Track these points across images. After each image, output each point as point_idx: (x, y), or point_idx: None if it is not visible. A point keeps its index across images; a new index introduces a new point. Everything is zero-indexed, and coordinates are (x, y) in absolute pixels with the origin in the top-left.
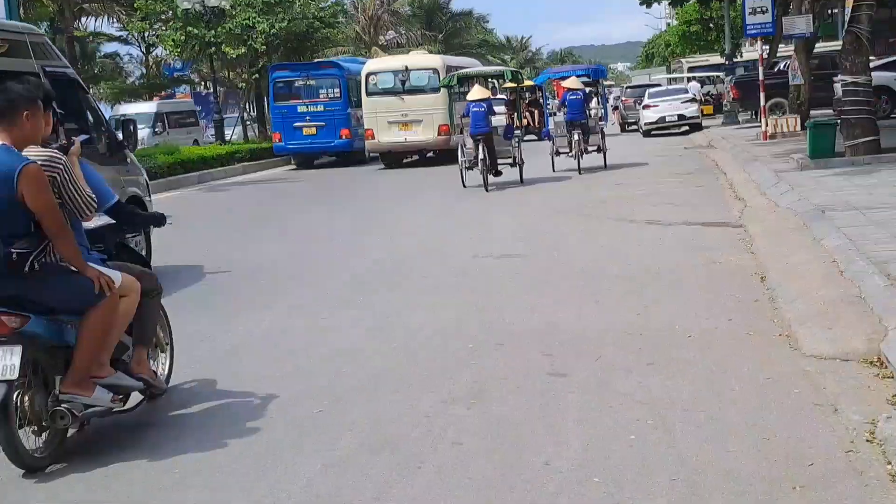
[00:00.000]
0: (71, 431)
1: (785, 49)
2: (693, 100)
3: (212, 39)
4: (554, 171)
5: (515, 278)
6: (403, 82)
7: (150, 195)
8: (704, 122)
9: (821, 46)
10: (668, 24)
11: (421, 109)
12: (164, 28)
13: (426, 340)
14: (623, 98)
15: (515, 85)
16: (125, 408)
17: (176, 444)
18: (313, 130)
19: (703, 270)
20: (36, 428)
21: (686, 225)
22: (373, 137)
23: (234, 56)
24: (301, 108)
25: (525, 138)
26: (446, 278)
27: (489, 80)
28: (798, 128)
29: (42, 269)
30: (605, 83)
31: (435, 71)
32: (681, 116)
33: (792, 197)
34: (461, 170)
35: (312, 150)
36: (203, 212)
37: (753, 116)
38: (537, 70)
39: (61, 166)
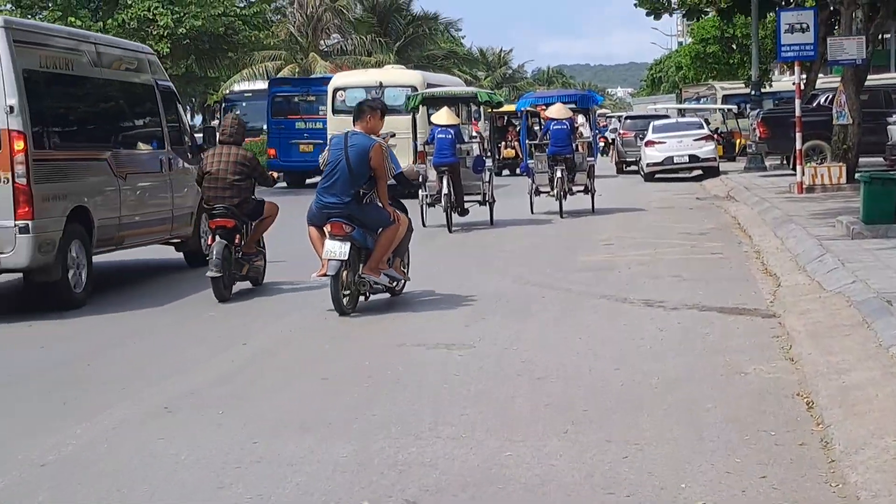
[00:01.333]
0: (362, 299)
1: (824, 80)
2: (709, 137)
3: (97, 31)
4: (532, 212)
5: (448, 388)
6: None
7: None
8: (723, 167)
9: (870, 79)
10: (680, 44)
11: (396, 133)
12: (41, 17)
13: None
14: (621, 131)
15: (506, 110)
16: (396, 290)
17: None
18: (310, 148)
19: (722, 386)
20: (348, 292)
21: (698, 310)
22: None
23: None
24: (299, 125)
25: (513, 172)
26: (332, 386)
27: (466, 103)
28: (843, 180)
29: (369, 202)
30: (599, 111)
31: (414, 88)
32: (693, 157)
33: (843, 277)
34: (421, 206)
35: (306, 169)
36: None
37: (785, 162)
38: (518, 91)
39: (386, 146)
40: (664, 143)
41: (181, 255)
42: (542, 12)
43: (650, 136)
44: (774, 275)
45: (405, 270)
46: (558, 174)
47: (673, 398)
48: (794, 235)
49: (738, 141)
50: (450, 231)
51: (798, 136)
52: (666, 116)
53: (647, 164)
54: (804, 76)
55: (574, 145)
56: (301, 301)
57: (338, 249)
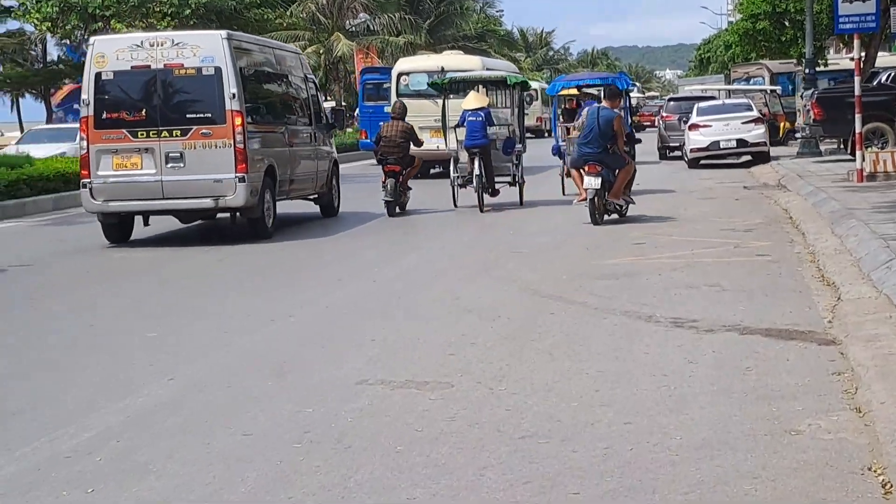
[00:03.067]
0: (612, 216)
1: (886, 56)
2: (759, 119)
3: (97, 11)
4: (564, 194)
5: (403, 453)
6: None
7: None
8: (773, 151)
9: None
10: (730, 23)
11: (457, 116)
12: None
13: None
14: (664, 114)
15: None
16: (623, 211)
17: None
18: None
19: (766, 454)
20: (597, 213)
21: (738, 333)
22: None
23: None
24: (387, 109)
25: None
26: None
27: (513, 88)
28: None
29: (613, 151)
30: (648, 94)
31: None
32: (741, 142)
33: None
34: (452, 187)
35: None
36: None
37: (842, 147)
38: (559, 73)
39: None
40: (709, 126)
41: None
42: None
43: (694, 118)
44: (833, 284)
45: (631, 198)
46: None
47: (699, 474)
48: (856, 234)
49: (781, 124)
50: (481, 211)
51: (857, 117)
52: (713, 98)
53: (691, 150)
54: (863, 53)
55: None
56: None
57: (593, 182)
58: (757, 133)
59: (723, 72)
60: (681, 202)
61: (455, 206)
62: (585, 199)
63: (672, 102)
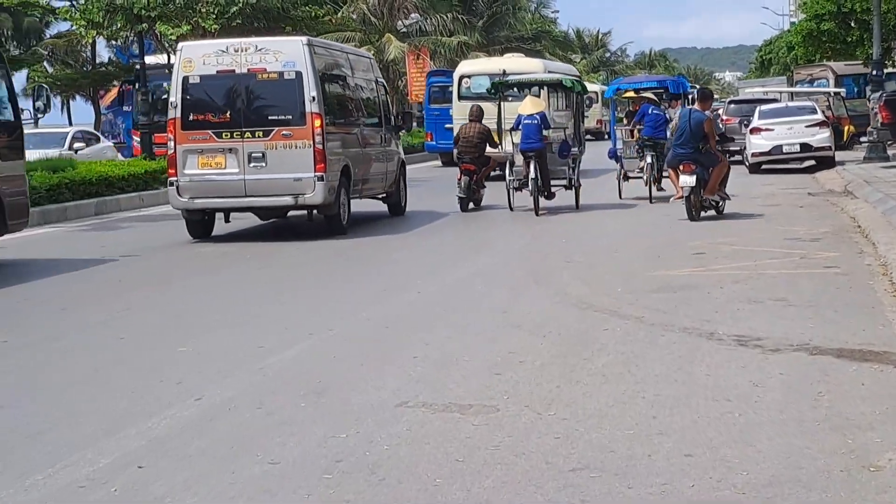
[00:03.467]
0: (709, 212)
1: None
2: (824, 123)
3: (142, 12)
4: (620, 197)
5: (442, 487)
6: None
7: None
8: (838, 156)
9: None
10: (793, 23)
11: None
12: None
13: None
14: (724, 117)
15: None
16: (720, 208)
17: None
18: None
19: (843, 493)
20: (694, 209)
21: (807, 353)
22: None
23: (174, 37)
24: (452, 112)
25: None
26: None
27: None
28: None
29: (706, 150)
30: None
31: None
32: (805, 146)
33: None
34: (508, 190)
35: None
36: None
37: None
38: (616, 75)
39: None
40: (772, 130)
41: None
42: None
43: (756, 122)
44: None
45: (727, 194)
46: (648, 160)
47: None
48: None
49: (846, 128)
50: (536, 214)
51: None
52: (775, 100)
53: (752, 154)
54: None
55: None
56: None
57: (688, 180)
58: (821, 137)
59: (785, 74)
60: (742, 206)
61: (511, 209)
62: (682, 197)
63: (732, 105)
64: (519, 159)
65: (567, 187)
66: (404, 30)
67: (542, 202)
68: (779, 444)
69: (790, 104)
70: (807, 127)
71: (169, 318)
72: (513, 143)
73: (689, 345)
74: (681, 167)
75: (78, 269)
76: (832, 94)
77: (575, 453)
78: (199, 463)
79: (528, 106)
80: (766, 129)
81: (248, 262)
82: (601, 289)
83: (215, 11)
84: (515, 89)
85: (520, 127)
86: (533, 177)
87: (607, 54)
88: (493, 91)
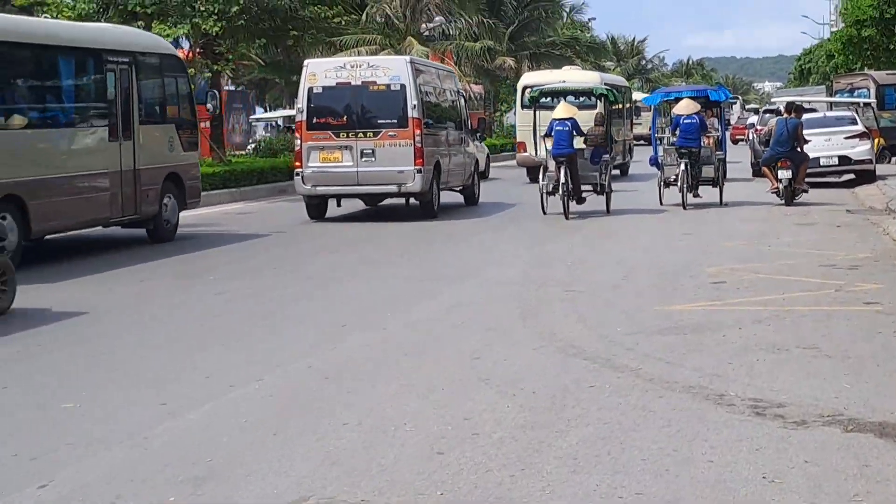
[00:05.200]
0: (800, 198)
1: None
2: (864, 135)
3: (137, 8)
4: (661, 203)
5: None
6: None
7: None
8: (879, 170)
9: None
10: (833, 32)
11: (587, 125)
12: None
13: None
14: (758, 126)
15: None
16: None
17: None
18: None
19: None
20: (789, 197)
21: (841, 429)
22: (524, 151)
23: (171, 38)
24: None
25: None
26: None
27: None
28: None
29: (797, 150)
30: (748, 106)
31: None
32: (844, 159)
33: None
34: (541, 194)
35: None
36: None
37: None
38: (651, 83)
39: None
40: (808, 141)
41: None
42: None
43: None
44: None
45: (806, 186)
46: (682, 167)
47: None
48: None
49: (875, 141)
50: (566, 218)
51: None
52: (813, 110)
53: None
54: None
55: (702, 140)
56: None
57: (786, 174)
58: (862, 149)
59: (824, 83)
60: (772, 228)
61: (544, 213)
62: (778, 189)
63: (767, 115)
64: (551, 164)
65: (598, 192)
66: (427, 33)
67: (573, 206)
68: None
69: (828, 114)
70: (846, 139)
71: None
72: (546, 149)
73: (691, 413)
74: (779, 164)
75: (245, 240)
76: (861, 105)
77: None
78: None
79: (561, 111)
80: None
81: (360, 242)
82: (598, 328)
83: (216, 11)
84: (553, 98)
85: (551, 133)
86: (563, 181)
87: (643, 62)
88: (531, 102)
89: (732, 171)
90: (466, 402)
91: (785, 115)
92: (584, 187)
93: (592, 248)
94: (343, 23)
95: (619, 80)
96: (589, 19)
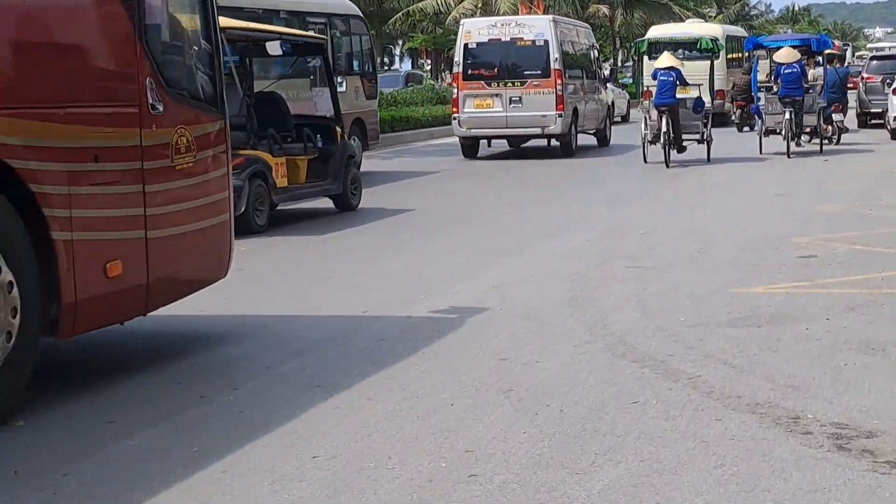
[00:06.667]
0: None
1: None
2: None
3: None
4: (761, 153)
5: None
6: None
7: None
8: None
9: None
10: None
11: (700, 74)
12: None
13: None
14: (865, 74)
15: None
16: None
17: None
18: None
19: None
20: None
21: None
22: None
23: None
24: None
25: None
26: None
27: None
28: None
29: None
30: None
31: (714, 39)
32: None
33: None
34: (643, 143)
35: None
36: None
37: None
38: (754, 31)
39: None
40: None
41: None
42: None
43: None
44: None
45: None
46: (787, 116)
47: None
48: None
49: None
50: (667, 167)
51: None
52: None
53: (895, 118)
54: None
55: (805, 88)
56: None
57: (839, 118)
58: None
59: None
60: (876, 188)
61: (645, 161)
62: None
63: (875, 62)
64: (653, 113)
65: (700, 141)
66: None
67: (674, 155)
68: None
69: None
70: None
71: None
72: (649, 99)
73: (754, 445)
74: (833, 107)
75: (419, 176)
76: None
77: None
78: None
79: (665, 60)
80: None
81: (509, 174)
82: (658, 317)
83: None
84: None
85: (655, 80)
86: (665, 130)
87: (746, 8)
88: (641, 51)
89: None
90: (475, 426)
91: (832, 66)
92: (685, 136)
93: (676, 208)
94: None
95: (740, 31)
96: None
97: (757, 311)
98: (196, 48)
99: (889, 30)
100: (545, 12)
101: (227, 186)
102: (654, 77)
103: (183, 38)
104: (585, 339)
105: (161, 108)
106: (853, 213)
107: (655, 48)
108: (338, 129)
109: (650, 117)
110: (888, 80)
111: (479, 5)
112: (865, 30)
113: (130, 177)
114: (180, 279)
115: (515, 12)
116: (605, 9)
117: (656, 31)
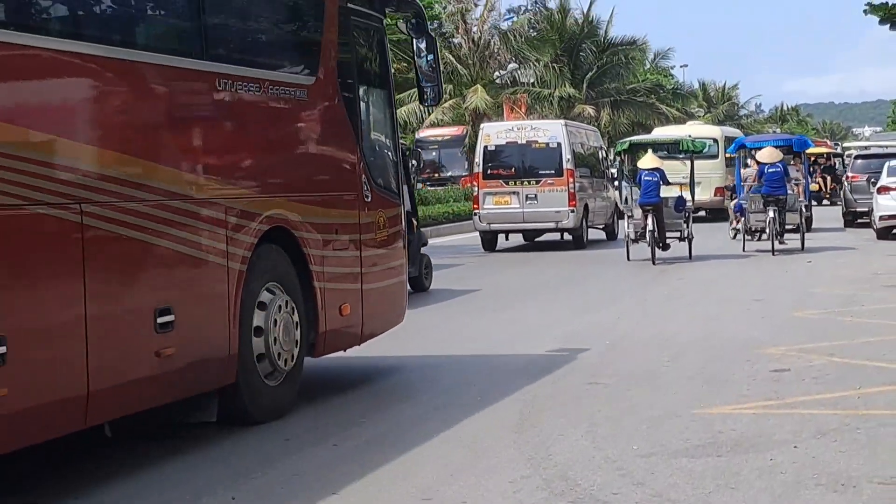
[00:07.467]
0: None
1: None
2: None
3: None
4: (744, 250)
5: None
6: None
7: None
8: None
9: None
10: None
11: (701, 173)
12: None
13: None
14: (850, 174)
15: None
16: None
17: None
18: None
19: None
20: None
21: None
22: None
23: None
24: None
25: (819, 203)
26: None
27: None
28: None
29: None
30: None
31: (714, 140)
32: None
33: None
34: (626, 242)
35: None
36: None
37: None
38: (743, 129)
39: None
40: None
41: None
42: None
43: (884, 180)
44: None
45: None
46: (770, 214)
47: None
48: None
49: None
50: (653, 264)
51: None
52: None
53: (881, 217)
54: None
55: (788, 187)
56: None
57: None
58: None
59: None
60: (858, 292)
61: (628, 259)
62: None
63: (859, 161)
64: (637, 212)
65: (681, 239)
66: (499, 80)
67: (658, 253)
68: None
69: None
70: None
71: None
72: (631, 198)
73: None
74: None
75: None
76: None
77: None
78: None
79: (648, 161)
80: None
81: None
82: (608, 446)
83: None
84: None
85: (639, 182)
86: (651, 229)
87: (736, 108)
88: (624, 151)
89: (823, 220)
90: None
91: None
92: (668, 234)
93: (650, 312)
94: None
95: (737, 132)
96: (681, 66)
97: (718, 436)
98: (387, 150)
99: (878, 129)
100: (527, 113)
101: (403, 255)
102: (639, 178)
103: (379, 142)
104: (524, 472)
105: (370, 197)
106: (833, 320)
107: (636, 149)
108: (414, 220)
109: (634, 216)
110: (873, 179)
111: (463, 105)
112: (854, 129)
113: (353, 245)
114: (378, 321)
115: (499, 114)
116: (590, 109)
117: (661, 132)
